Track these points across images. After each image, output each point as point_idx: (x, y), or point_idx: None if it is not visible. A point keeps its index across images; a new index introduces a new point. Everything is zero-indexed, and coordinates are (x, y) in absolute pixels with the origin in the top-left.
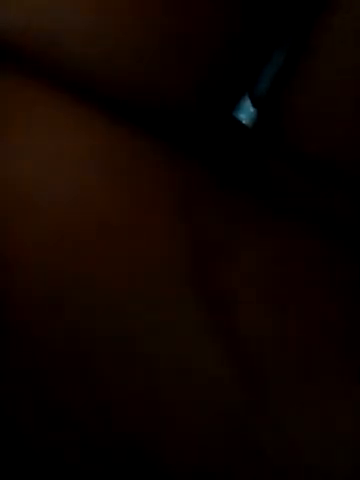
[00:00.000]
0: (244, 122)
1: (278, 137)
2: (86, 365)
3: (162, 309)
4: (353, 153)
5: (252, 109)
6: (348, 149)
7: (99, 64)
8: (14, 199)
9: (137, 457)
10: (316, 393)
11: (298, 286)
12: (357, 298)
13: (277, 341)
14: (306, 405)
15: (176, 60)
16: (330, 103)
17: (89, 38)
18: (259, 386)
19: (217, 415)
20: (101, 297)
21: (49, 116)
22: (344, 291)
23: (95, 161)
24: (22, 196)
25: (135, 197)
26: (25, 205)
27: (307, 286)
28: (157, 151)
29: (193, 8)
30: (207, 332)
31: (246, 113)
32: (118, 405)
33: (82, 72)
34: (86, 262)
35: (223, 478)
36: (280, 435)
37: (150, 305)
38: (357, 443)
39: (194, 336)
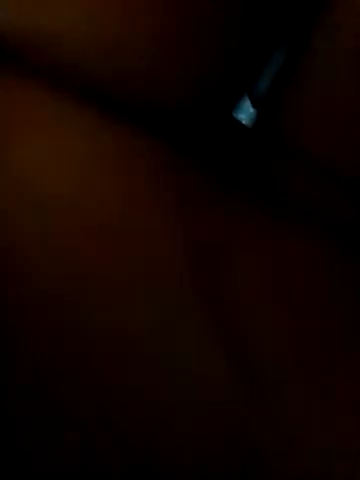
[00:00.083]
0: (244, 122)
1: (278, 137)
2: (86, 365)
3: (162, 309)
4: (353, 153)
5: (252, 109)
6: (348, 149)
7: (99, 64)
8: (14, 199)
9: (137, 457)
10: (316, 393)
11: (298, 286)
12: (357, 298)
13: (277, 341)
14: (306, 405)
15: (176, 60)
16: (330, 103)
17: (89, 38)
18: (259, 386)
19: (217, 415)
20: (101, 297)
21: (49, 116)
22: (344, 291)
23: (95, 161)
24: (22, 196)
25: (135, 197)
26: (25, 205)
27: (307, 286)
28: (157, 151)
29: (193, 8)
30: (207, 332)
31: (246, 113)
32: (118, 405)
33: (82, 72)
34: (86, 262)
35: (223, 478)
36: (280, 435)
37: (150, 305)
38: (357, 443)
39: (194, 336)
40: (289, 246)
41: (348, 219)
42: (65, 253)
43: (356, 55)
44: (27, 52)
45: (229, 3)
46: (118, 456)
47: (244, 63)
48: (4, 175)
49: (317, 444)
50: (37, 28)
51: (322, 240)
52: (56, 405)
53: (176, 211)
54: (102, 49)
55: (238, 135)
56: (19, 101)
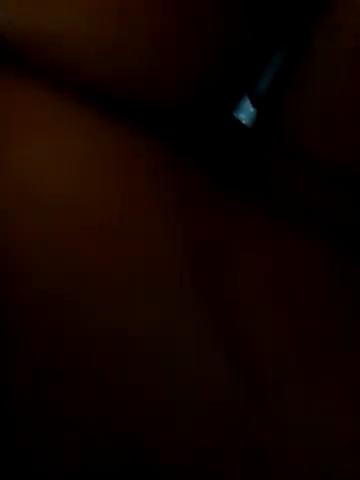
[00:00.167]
0: (244, 122)
1: (278, 137)
2: (86, 365)
3: (162, 309)
4: (353, 153)
5: (252, 109)
6: (348, 149)
7: (99, 64)
8: (14, 199)
9: (137, 457)
10: (316, 393)
11: (298, 286)
12: (357, 298)
13: (277, 341)
14: (306, 405)
15: (176, 60)
16: (330, 103)
17: (89, 38)
18: (259, 386)
19: (217, 415)
20: (101, 297)
21: (49, 116)
22: (344, 291)
23: (95, 161)
24: (22, 196)
25: (135, 197)
26: (25, 205)
27: (307, 286)
28: (157, 151)
29: (193, 8)
30: (207, 332)
31: (246, 113)
32: (118, 405)
33: (82, 72)
34: (86, 262)
35: (223, 478)
36: (280, 435)
37: (150, 305)
38: (357, 443)
39: (194, 336)
40: (289, 246)
41: (348, 219)
42: (65, 253)
43: (356, 55)
44: (27, 52)
45: (229, 3)
46: (118, 456)
47: (244, 63)
48: (4, 175)
49: (317, 444)
50: (37, 28)
51: (322, 240)
52: (56, 405)
53: (176, 211)
54: (102, 49)
55: (238, 135)
56: (19, 101)
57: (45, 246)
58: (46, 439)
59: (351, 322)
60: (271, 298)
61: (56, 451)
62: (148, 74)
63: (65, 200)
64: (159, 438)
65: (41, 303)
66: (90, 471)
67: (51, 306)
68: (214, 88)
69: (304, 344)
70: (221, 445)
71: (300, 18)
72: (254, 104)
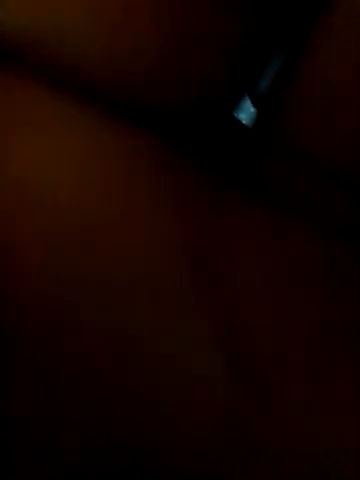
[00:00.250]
0: (244, 122)
1: (278, 137)
2: (86, 365)
3: (162, 309)
4: (353, 153)
5: (252, 109)
6: (348, 149)
7: (99, 64)
8: (14, 199)
9: (137, 457)
10: (316, 393)
11: (298, 286)
12: (357, 298)
13: (277, 341)
14: (306, 405)
15: (176, 60)
16: (330, 103)
17: (89, 38)
18: (259, 386)
19: (217, 415)
20: (101, 297)
21: (49, 116)
22: (344, 291)
23: (95, 161)
24: (22, 196)
25: (135, 197)
26: (25, 205)
27: (307, 286)
28: (157, 151)
29: (194, 9)
30: (207, 332)
31: (246, 113)
32: (118, 405)
33: (82, 72)
34: (86, 262)
35: (223, 478)
36: (280, 435)
37: (150, 305)
38: (357, 443)
39: (194, 336)
40: (289, 246)
41: (348, 219)
42: (65, 253)
43: (356, 55)
44: (27, 52)
45: (230, 4)
46: (118, 456)
47: (245, 63)
48: (4, 175)
49: (317, 444)
50: (37, 28)
51: (322, 240)
52: (56, 405)
53: (176, 211)
54: (102, 49)
55: (238, 135)
56: (19, 101)
57: (45, 246)
58: (46, 439)
59: (351, 322)
60: (271, 298)
61: (56, 451)
62: (148, 74)
63: (65, 200)
64: (159, 438)
65: (41, 303)
66: (90, 471)
67: (51, 306)
68: (214, 88)
69: (304, 344)
70: (221, 445)
71: (300, 18)
72: (254, 104)
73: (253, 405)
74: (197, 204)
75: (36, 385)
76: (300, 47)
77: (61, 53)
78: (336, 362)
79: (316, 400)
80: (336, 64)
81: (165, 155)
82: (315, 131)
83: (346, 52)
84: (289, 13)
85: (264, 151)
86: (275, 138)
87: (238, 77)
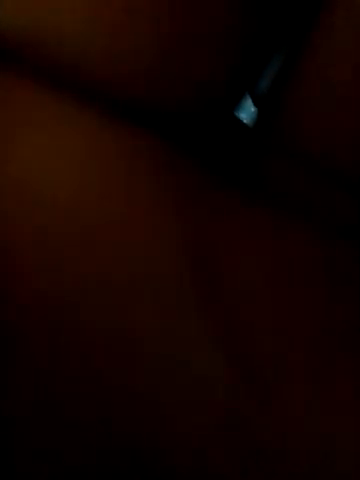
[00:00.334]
0: (245, 121)
1: (278, 137)
2: (86, 365)
3: (162, 309)
4: (353, 153)
5: (253, 108)
6: (348, 149)
7: (99, 64)
8: (14, 199)
9: (137, 457)
10: (316, 393)
11: (298, 286)
12: (357, 298)
13: (277, 341)
14: (306, 405)
15: (177, 60)
16: (330, 103)
17: (89, 38)
18: (259, 386)
19: (217, 415)
20: (101, 297)
21: (49, 116)
22: (344, 291)
23: (95, 161)
24: (22, 196)
25: (135, 197)
26: (25, 205)
27: (307, 286)
28: (157, 151)
29: (194, 9)
30: (207, 332)
31: (247, 112)
32: (118, 405)
33: (82, 72)
34: (86, 262)
35: (223, 478)
36: (280, 435)
37: (150, 305)
38: (357, 443)
39: (194, 336)
40: (289, 246)
41: (348, 219)
42: (65, 253)
43: (356, 55)
44: (27, 52)
45: (230, 4)
46: (118, 456)
47: (245, 63)
48: (4, 175)
49: (317, 444)
50: (37, 28)
51: (322, 240)
52: (56, 405)
53: (176, 211)
54: (102, 49)
55: (239, 134)
56: (19, 101)
57: (45, 246)
58: (46, 439)
59: (351, 322)
60: (271, 298)
61: (56, 451)
62: (148, 74)
63: (65, 200)
64: (159, 438)
65: (41, 303)
66: (90, 471)
67: (51, 306)
68: (214, 88)
69: (304, 344)
70: (221, 445)
71: (300, 18)
72: (255, 103)
73: (253, 405)
74: (197, 204)
75: (36, 385)
76: (300, 47)
77: (61, 53)
78: (336, 362)
79: (316, 400)
80: (336, 64)
81: (165, 155)
82: (315, 131)
83: (346, 52)
84: (289, 13)
85: (264, 151)
86: (275, 138)
87: (238, 77)
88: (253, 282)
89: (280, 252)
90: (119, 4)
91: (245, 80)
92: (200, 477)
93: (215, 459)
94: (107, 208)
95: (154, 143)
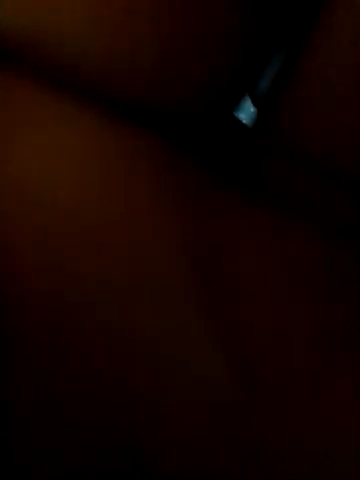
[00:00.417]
0: (244, 122)
1: (278, 137)
2: (86, 365)
3: (162, 309)
4: (353, 153)
5: (252, 109)
6: (348, 149)
7: (99, 64)
8: (14, 199)
9: (137, 457)
10: (316, 393)
11: (298, 286)
12: (357, 298)
13: (277, 341)
14: (306, 405)
15: (177, 61)
16: (330, 103)
17: (89, 38)
18: (259, 386)
19: (217, 415)
20: (101, 297)
21: (49, 116)
22: (344, 291)
23: (95, 161)
24: (22, 196)
25: (135, 197)
26: (25, 205)
27: (307, 286)
28: (157, 151)
29: (193, 9)
30: (207, 332)
31: (246, 113)
32: (118, 405)
33: (82, 72)
34: (86, 262)
35: (223, 478)
36: (280, 435)
37: (150, 305)
38: (357, 444)
39: (194, 336)
40: (289, 246)
41: (348, 219)
42: (65, 253)
43: (356, 55)
44: (27, 52)
45: (230, 4)
46: (118, 456)
47: (245, 63)
48: (4, 175)
49: (317, 445)
50: (37, 28)
51: (322, 240)
52: (56, 405)
53: (176, 211)
54: (102, 49)
55: (239, 134)
56: (19, 101)
57: (45, 246)
58: (46, 439)
59: (351, 322)
60: (271, 298)
61: (56, 451)
62: (148, 74)
63: (65, 200)
64: (159, 438)
65: (41, 303)
66: (90, 471)
67: (51, 306)
68: (214, 88)
69: (304, 344)
70: (221, 445)
71: (300, 18)
72: (254, 104)
73: (253, 405)
74: (197, 204)
75: (36, 385)
76: (300, 47)
77: (61, 53)
78: (336, 362)
79: (316, 400)
80: (336, 64)
81: (165, 155)
82: (315, 131)
83: (346, 52)
84: (289, 13)
85: (264, 151)
86: (275, 138)
87: (238, 77)
88: (253, 282)
89: (280, 252)
90: (119, 4)
91: (245, 80)
92: (200, 477)
93: (215, 459)
94: (107, 208)
95: (154, 143)
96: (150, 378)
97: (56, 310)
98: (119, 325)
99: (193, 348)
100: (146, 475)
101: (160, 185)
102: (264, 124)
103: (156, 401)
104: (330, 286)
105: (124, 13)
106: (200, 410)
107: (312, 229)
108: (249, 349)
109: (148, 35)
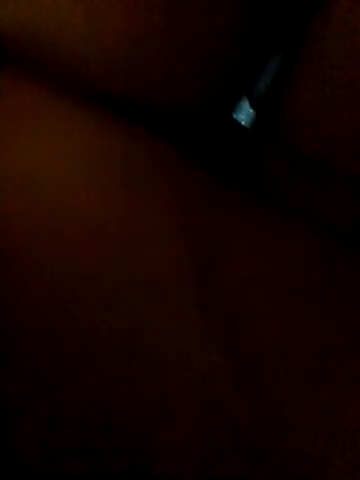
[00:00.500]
0: (243, 123)
1: (277, 137)
2: (86, 365)
3: (162, 309)
4: (352, 153)
5: (251, 110)
6: (347, 149)
7: (99, 64)
8: (15, 199)
9: (137, 457)
10: (316, 393)
11: (298, 285)
12: (357, 298)
13: (277, 341)
14: (306, 405)
15: (176, 62)
16: (329, 103)
17: (89, 38)
18: (259, 386)
19: (217, 414)
20: (101, 297)
21: (49, 116)
22: (344, 291)
23: (95, 161)
24: (23, 195)
25: (135, 197)
26: (25, 205)
27: (307, 285)
28: (157, 151)
29: (193, 11)
30: (207, 331)
31: (245, 114)
32: (118, 405)
33: (82, 72)
34: (86, 262)
35: (223, 478)
36: (280, 435)
37: (150, 305)
38: (357, 444)
39: (194, 335)
40: (289, 246)
41: (348, 219)
42: (65, 253)
43: (356, 55)
44: (27, 52)
45: (229, 8)
46: (118, 456)
47: (243, 65)
48: (4, 175)
49: (317, 444)
50: (37, 28)
51: (322, 240)
52: (56, 405)
53: (176, 211)
54: (102, 49)
55: (237, 135)
56: (19, 101)
57: (45, 246)
58: (46, 439)
59: (351, 322)
60: (271, 297)
61: (56, 451)
62: (148, 74)
63: (65, 200)
64: (159, 438)
65: (41, 303)
66: (90, 471)
67: (51, 306)
68: (214, 89)
69: (304, 344)
70: (221, 445)
71: (298, 20)
72: (253, 105)
73: (253, 405)
74: (197, 204)
75: (36, 385)
76: (298, 49)
77: (61, 53)
78: (336, 362)
79: (316, 400)
80: (336, 64)
81: (165, 155)
82: (314, 131)
83: (346, 52)
84: (288, 13)
85: (264, 151)
86: (274, 138)
87: (237, 79)
88: (253, 282)
89: (280, 252)
90: (119, 5)
91: (244, 82)
92: (200, 477)
93: (215, 459)
94: (107, 208)
95: (154, 143)
96: (150, 377)
97: (56, 310)
98: (119, 325)
99: (193, 348)
100: (146, 475)
101: (160, 185)
102: (263, 125)
103: (156, 400)
104: (329, 286)
105: (124, 14)
106: (200, 409)
107: (312, 229)
108: (249, 349)
109: (148, 36)
